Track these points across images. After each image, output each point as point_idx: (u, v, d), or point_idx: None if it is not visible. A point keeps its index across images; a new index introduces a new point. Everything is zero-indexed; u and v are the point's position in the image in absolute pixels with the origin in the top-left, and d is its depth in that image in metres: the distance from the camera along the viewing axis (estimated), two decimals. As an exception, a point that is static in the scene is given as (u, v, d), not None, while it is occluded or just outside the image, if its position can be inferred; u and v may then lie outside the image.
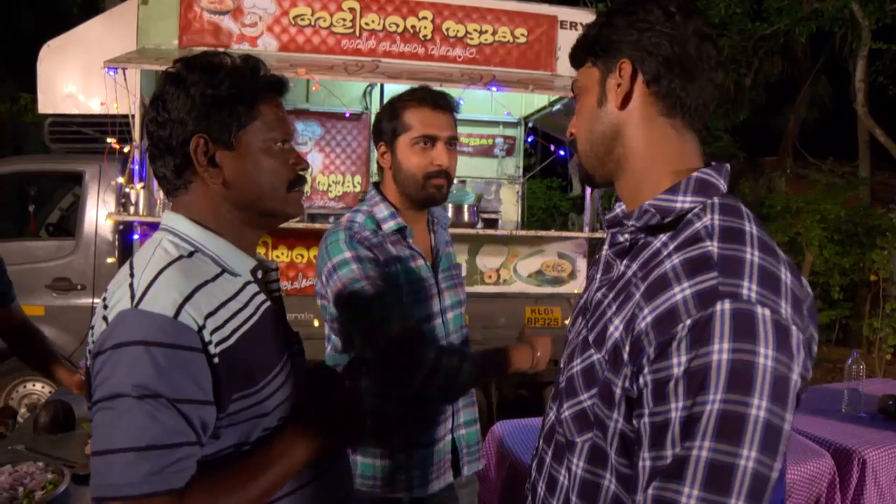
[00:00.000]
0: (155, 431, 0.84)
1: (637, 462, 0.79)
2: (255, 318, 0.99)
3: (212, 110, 0.97)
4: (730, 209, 0.86)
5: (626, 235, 0.94)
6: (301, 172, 1.07)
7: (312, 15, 4.36)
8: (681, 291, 0.77)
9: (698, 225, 0.84)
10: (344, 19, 4.40)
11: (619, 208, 1.05)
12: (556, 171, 10.82)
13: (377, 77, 4.16)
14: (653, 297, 0.80)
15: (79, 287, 4.19)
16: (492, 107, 5.54)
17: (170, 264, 0.93)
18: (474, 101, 5.07)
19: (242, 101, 0.99)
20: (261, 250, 4.38)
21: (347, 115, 5.66)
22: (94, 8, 10.13)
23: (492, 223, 5.42)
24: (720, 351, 0.73)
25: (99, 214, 4.28)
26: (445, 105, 1.63)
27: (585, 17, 4.86)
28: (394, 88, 4.43)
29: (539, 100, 5.59)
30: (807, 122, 12.17)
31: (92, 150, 4.49)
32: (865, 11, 8.10)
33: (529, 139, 6.29)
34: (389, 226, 1.61)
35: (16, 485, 1.50)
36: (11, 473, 1.56)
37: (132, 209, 3.87)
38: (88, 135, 4.64)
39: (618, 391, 0.83)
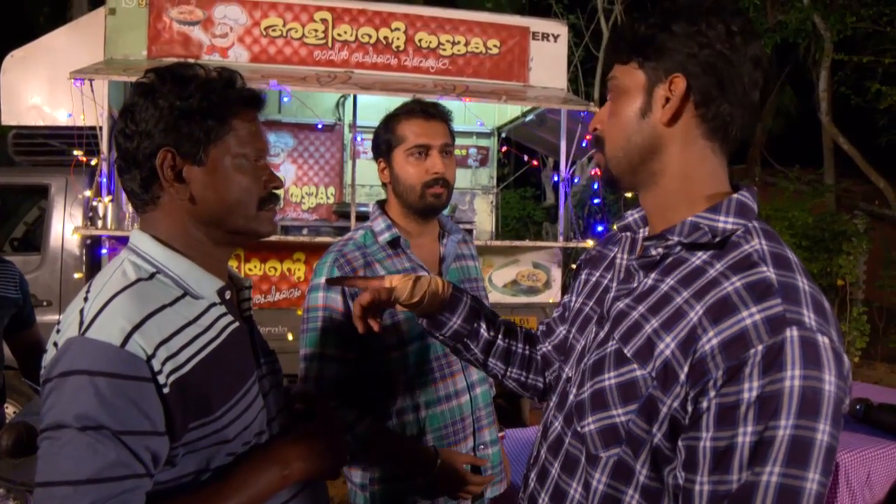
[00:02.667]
0: (96, 464, 0.80)
1: (680, 482, 0.80)
2: (218, 341, 0.95)
3: (181, 123, 0.94)
4: (771, 235, 0.88)
5: (661, 249, 0.92)
6: (274, 190, 1.03)
7: (284, 26, 4.33)
8: (749, 316, 0.77)
9: (747, 248, 0.85)
10: (316, 30, 4.38)
11: (632, 217, 1.04)
12: (530, 181, 10.90)
13: (350, 88, 4.14)
14: (718, 319, 0.79)
15: (45, 303, 4.07)
16: (465, 117, 5.57)
17: (124, 289, 0.90)
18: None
19: (214, 115, 0.95)
20: (233, 263, 4.30)
21: (320, 126, 5.63)
22: (62, 18, 9.98)
23: (466, 233, 5.43)
24: (793, 377, 0.74)
25: (66, 228, 4.18)
26: (437, 114, 1.64)
27: (558, 28, 4.91)
28: (367, 100, 4.44)
29: (512, 110, 5.63)
30: (773, 131, 12.44)
31: (58, 163, 4.39)
32: (827, 24, 8.34)
33: (503, 150, 6.33)
34: (384, 237, 1.62)
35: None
36: (12, 499, 1.50)
37: (100, 223, 3.78)
38: (54, 147, 4.54)
39: (664, 409, 0.82)
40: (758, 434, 0.74)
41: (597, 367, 0.92)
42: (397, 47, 4.52)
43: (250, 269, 4.29)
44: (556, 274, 4.84)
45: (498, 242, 4.74)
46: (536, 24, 4.86)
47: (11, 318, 2.18)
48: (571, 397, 0.98)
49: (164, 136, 0.94)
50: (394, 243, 1.63)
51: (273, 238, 4.08)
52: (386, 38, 4.49)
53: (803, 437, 0.73)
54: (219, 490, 0.91)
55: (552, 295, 4.81)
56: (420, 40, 4.56)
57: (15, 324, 2.20)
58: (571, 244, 4.74)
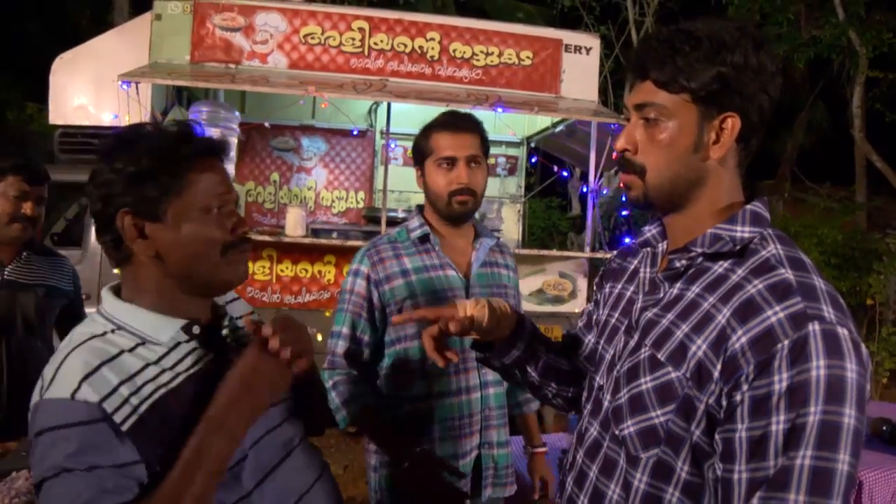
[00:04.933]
0: (72, 500, 0.85)
1: (719, 474, 0.85)
2: (181, 378, 0.97)
3: (135, 184, 0.96)
4: (786, 240, 0.94)
5: (684, 261, 0.97)
6: (242, 234, 1.04)
7: (322, 34, 4.44)
8: (774, 314, 0.84)
9: (765, 253, 0.91)
10: (353, 38, 4.48)
11: (650, 233, 1.09)
12: (556, 191, 10.91)
13: (385, 96, 4.23)
14: (745, 319, 0.85)
15: (85, 297, 4.21)
16: (495, 126, 5.62)
17: (76, 347, 0.95)
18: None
19: (166, 172, 0.97)
20: (265, 265, 4.43)
21: (355, 132, 5.74)
22: (103, 21, 10.27)
23: (505, 244, 5.47)
24: (818, 367, 0.80)
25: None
26: (466, 126, 1.73)
27: (590, 41, 4.95)
28: (399, 107, 4.53)
29: (542, 121, 5.68)
30: (804, 147, 12.30)
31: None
32: (863, 40, 8.25)
33: (533, 159, 6.37)
34: (416, 233, 1.75)
35: (32, 489, 1.53)
36: (28, 478, 1.58)
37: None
38: (97, 146, 4.69)
39: (701, 406, 0.88)
40: (790, 421, 0.80)
41: (632, 373, 0.97)
42: (432, 57, 4.61)
43: (282, 271, 4.39)
44: (582, 284, 4.87)
45: (526, 251, 4.79)
46: (569, 36, 4.92)
47: (62, 310, 2.29)
48: (606, 404, 1.03)
49: (122, 198, 0.96)
50: (423, 239, 1.74)
51: (305, 240, 4.18)
52: (421, 47, 4.58)
53: (832, 421, 0.79)
54: (173, 480, 0.91)
55: (577, 305, 4.84)
56: (454, 50, 4.64)
57: (66, 315, 2.31)
58: (599, 255, 4.77)
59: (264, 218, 5.72)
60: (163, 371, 0.96)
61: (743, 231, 0.93)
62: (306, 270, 4.39)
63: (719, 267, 0.93)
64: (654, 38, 0.95)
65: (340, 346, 1.69)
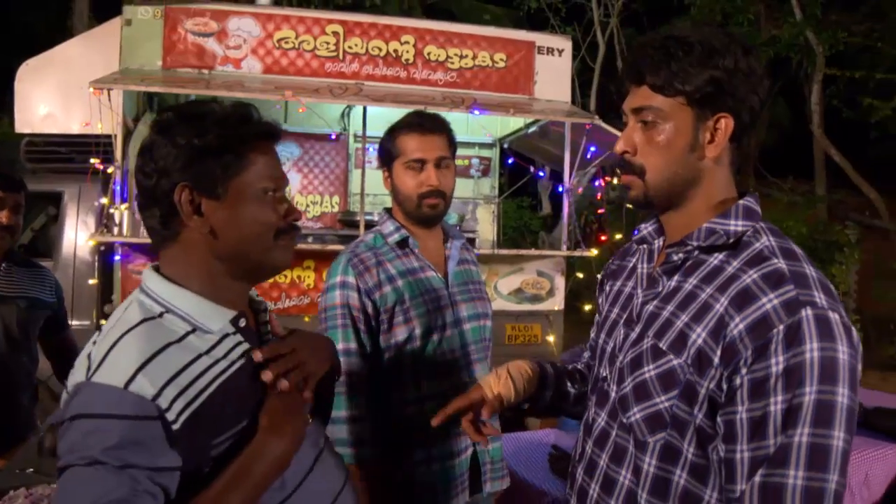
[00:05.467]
0: (99, 496, 0.82)
1: (722, 455, 0.90)
2: (232, 370, 0.96)
3: (198, 160, 0.95)
4: (777, 232, 0.99)
5: (681, 254, 1.02)
6: (293, 222, 1.04)
7: (296, 38, 4.42)
8: (769, 301, 0.89)
9: (758, 245, 0.96)
10: (328, 42, 4.47)
11: (647, 230, 1.15)
12: (527, 191, 11.01)
13: (361, 100, 4.23)
14: (742, 307, 0.90)
15: (60, 309, 4.13)
16: (468, 128, 5.67)
17: (129, 330, 0.92)
18: (450, 123, 5.17)
19: (231, 150, 0.97)
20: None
21: (333, 136, 5.73)
22: (63, 27, 10.02)
23: (469, 242, 5.51)
24: (812, 350, 0.85)
25: (78, 235, 4.24)
26: (434, 128, 1.71)
27: (562, 43, 5.02)
28: (374, 110, 4.53)
29: (515, 122, 5.73)
30: (766, 143, 12.62)
31: (69, 171, 4.45)
32: (819, 39, 8.52)
33: (510, 161, 6.43)
34: (394, 238, 1.73)
35: (36, 507, 1.50)
36: (27, 496, 1.56)
37: (116, 230, 3.84)
38: (65, 154, 4.59)
39: (702, 391, 0.92)
40: (787, 402, 0.85)
41: (635, 363, 1.02)
42: (406, 60, 4.62)
43: (261, 277, 4.35)
44: (560, 282, 4.93)
45: (505, 251, 4.84)
46: (541, 38, 4.98)
47: (46, 322, 2.24)
48: (613, 394, 1.07)
49: (182, 172, 0.95)
50: (402, 243, 1.73)
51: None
52: (396, 50, 4.59)
53: (826, 400, 0.84)
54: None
55: (556, 303, 4.90)
56: (429, 53, 4.66)
57: (49, 327, 2.26)
58: (576, 253, 4.84)
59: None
60: (215, 363, 0.94)
61: (736, 225, 0.98)
62: (286, 276, 4.36)
63: (714, 259, 0.98)
64: (649, 45, 0.99)
65: (354, 363, 1.63)
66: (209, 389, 0.92)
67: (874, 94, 8.34)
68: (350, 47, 4.51)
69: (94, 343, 0.93)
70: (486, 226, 6.47)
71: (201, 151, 0.95)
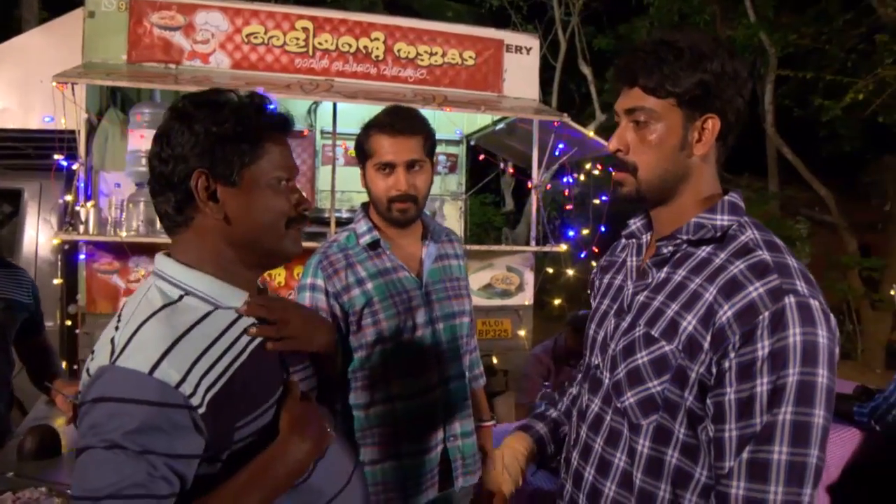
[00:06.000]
0: (116, 482, 0.84)
1: (711, 435, 0.97)
2: (249, 350, 0.98)
3: (216, 147, 0.97)
4: (761, 227, 1.06)
5: (671, 247, 1.09)
6: (304, 212, 1.06)
7: (265, 33, 4.37)
8: (755, 290, 0.95)
9: (743, 238, 1.03)
10: (297, 38, 4.43)
11: (635, 225, 1.21)
12: (489, 187, 11.10)
13: (333, 96, 4.21)
14: (730, 295, 0.96)
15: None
16: (435, 124, 5.67)
17: (152, 315, 0.93)
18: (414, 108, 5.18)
19: (247, 139, 0.99)
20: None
21: (300, 133, 5.68)
22: (10, 16, 9.64)
23: (454, 233, 5.55)
24: (794, 335, 0.92)
25: (40, 234, 4.11)
26: (406, 129, 1.66)
27: (530, 41, 5.08)
28: (342, 107, 4.50)
29: (482, 119, 5.78)
30: (721, 141, 12.96)
31: (28, 167, 4.30)
32: (772, 40, 8.82)
33: (480, 158, 6.50)
34: (365, 239, 1.72)
35: (28, 509, 1.48)
36: (15, 501, 1.53)
37: (82, 228, 3.74)
38: (23, 150, 4.44)
39: (693, 375, 0.99)
40: (772, 383, 0.91)
41: (628, 350, 1.08)
42: (377, 57, 4.61)
43: (231, 275, 4.31)
44: (529, 277, 5.00)
45: (476, 247, 4.88)
46: (510, 37, 5.03)
47: (22, 324, 2.19)
48: (606, 381, 1.13)
49: (200, 159, 0.97)
50: (374, 245, 1.72)
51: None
52: (366, 47, 4.58)
53: (808, 381, 0.91)
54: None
55: (526, 298, 4.98)
56: (399, 50, 4.66)
57: (26, 329, 2.21)
58: (546, 248, 4.92)
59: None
60: (235, 340, 0.97)
61: (722, 219, 1.05)
62: (256, 274, 4.32)
63: (702, 251, 1.05)
64: (641, 50, 1.06)
65: None
66: (230, 370, 0.93)
67: (823, 94, 8.68)
68: (320, 43, 4.48)
69: (116, 328, 0.94)
70: (452, 222, 6.50)
71: (219, 139, 0.97)
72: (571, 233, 5.30)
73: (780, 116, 9.58)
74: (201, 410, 0.88)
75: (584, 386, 1.23)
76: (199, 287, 0.99)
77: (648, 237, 1.19)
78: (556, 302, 6.75)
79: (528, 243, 5.06)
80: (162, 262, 1.01)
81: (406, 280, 1.72)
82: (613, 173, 1.12)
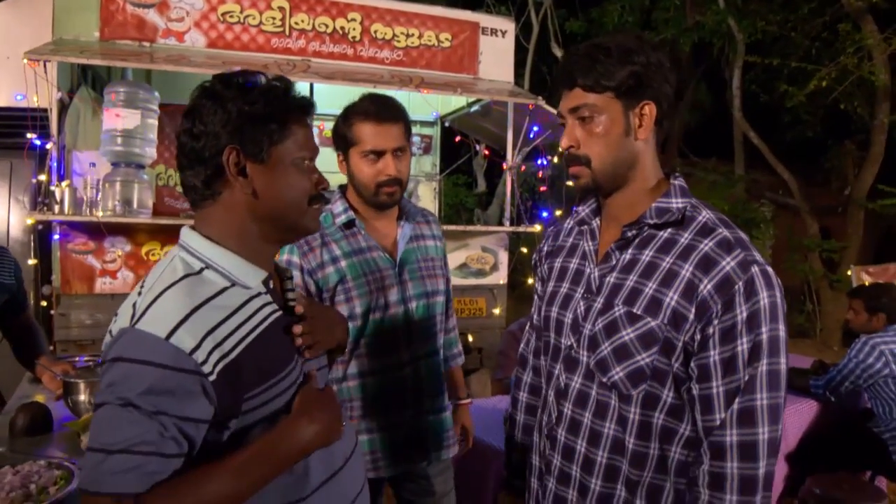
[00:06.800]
0: (128, 437, 0.89)
1: (696, 393, 1.11)
2: (262, 328, 1.03)
3: (246, 125, 1.02)
4: (709, 206, 1.19)
5: (634, 231, 1.19)
6: (322, 191, 1.12)
7: (241, 12, 4.33)
8: (727, 264, 1.09)
9: (701, 218, 1.16)
10: (273, 18, 4.41)
11: (584, 212, 1.31)
12: (461, 169, 11.16)
13: (311, 77, 4.21)
14: (707, 270, 1.10)
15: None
16: (410, 105, 5.69)
17: (173, 284, 0.98)
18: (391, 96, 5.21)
19: (275, 119, 1.04)
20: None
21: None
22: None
23: (431, 214, 5.60)
24: (763, 298, 1.07)
25: (11, 214, 4.06)
26: (391, 117, 1.73)
27: (505, 24, 5.13)
28: (320, 88, 4.50)
29: (457, 101, 5.82)
30: (690, 125, 13.22)
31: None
32: (740, 27, 8.99)
33: (457, 139, 6.53)
34: (340, 219, 1.78)
35: (26, 482, 1.52)
36: (15, 473, 1.56)
37: (57, 208, 3.71)
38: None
39: (679, 344, 1.11)
40: (751, 341, 1.06)
41: (610, 329, 1.17)
42: (353, 38, 4.62)
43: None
44: (503, 257, 5.10)
45: (453, 227, 4.95)
46: (486, 19, 5.07)
47: (5, 304, 2.20)
48: (584, 358, 1.22)
49: (231, 136, 1.02)
50: (349, 224, 1.77)
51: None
52: (342, 28, 4.57)
53: (775, 335, 1.07)
54: (220, 467, 0.96)
55: (500, 277, 5.08)
56: (375, 31, 4.67)
57: (9, 309, 2.22)
58: (520, 229, 5.01)
59: (177, 202, 5.52)
60: (250, 317, 1.02)
61: (678, 202, 1.17)
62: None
63: (664, 233, 1.16)
64: (576, 54, 1.17)
65: None
66: (243, 344, 0.98)
67: (788, 80, 8.90)
68: (296, 23, 4.46)
69: (139, 294, 0.99)
70: (427, 203, 6.55)
71: (250, 118, 1.02)
72: (545, 214, 5.40)
73: (746, 102, 9.80)
74: (212, 378, 0.93)
75: (556, 366, 1.29)
76: (220, 262, 1.04)
77: (598, 222, 1.29)
78: (530, 281, 6.88)
79: (500, 224, 5.14)
80: (187, 234, 1.07)
81: (380, 259, 1.77)
82: (570, 170, 1.22)
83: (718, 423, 1.08)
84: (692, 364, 1.11)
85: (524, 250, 5.98)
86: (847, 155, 10.65)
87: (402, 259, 1.81)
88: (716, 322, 1.07)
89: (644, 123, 1.15)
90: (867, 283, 4.79)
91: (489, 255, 5.09)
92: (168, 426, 0.91)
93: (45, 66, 3.65)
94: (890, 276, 5.49)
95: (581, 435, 1.23)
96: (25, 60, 3.55)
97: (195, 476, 0.93)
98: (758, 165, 10.59)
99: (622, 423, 1.17)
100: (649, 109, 1.15)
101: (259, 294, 1.06)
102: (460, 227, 5.01)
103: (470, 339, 4.87)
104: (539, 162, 5.71)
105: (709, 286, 1.08)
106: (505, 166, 5.05)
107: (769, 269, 1.09)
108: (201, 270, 1.02)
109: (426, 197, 6.55)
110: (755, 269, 1.07)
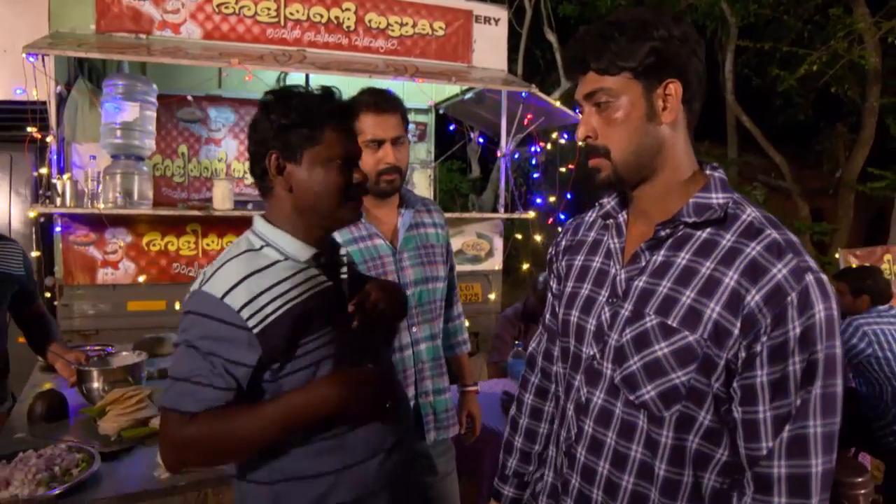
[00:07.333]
0: (189, 369, 1.16)
1: (739, 417, 0.96)
2: (307, 294, 1.23)
3: (282, 133, 1.24)
4: (750, 202, 1.04)
5: (668, 230, 1.03)
6: (359, 183, 1.30)
7: (236, 3, 4.36)
8: (778, 272, 0.93)
9: (745, 217, 1.00)
10: (268, 8, 4.44)
11: (609, 205, 1.16)
12: (455, 155, 11.19)
13: (307, 67, 4.25)
14: (755, 279, 0.94)
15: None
16: (404, 93, 5.75)
17: (235, 256, 1.23)
18: (388, 89, 5.24)
19: (307, 126, 1.24)
20: (190, 239, 4.39)
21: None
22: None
23: (433, 203, 5.66)
24: (819, 311, 0.92)
25: (12, 207, 4.11)
26: (389, 108, 1.81)
27: (498, 12, 5.17)
28: (314, 78, 4.50)
29: (451, 88, 5.86)
30: (682, 108, 13.22)
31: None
32: (733, 10, 9.01)
33: (451, 127, 6.58)
34: None
35: (50, 465, 1.60)
36: (39, 457, 1.65)
37: (59, 200, 3.76)
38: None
39: (721, 362, 0.96)
40: (805, 361, 0.92)
41: (641, 342, 1.02)
42: (348, 27, 4.65)
43: (207, 245, 4.38)
44: (498, 243, 5.18)
45: (450, 214, 5.00)
46: (479, 7, 5.11)
47: (16, 294, 2.27)
48: (608, 372, 1.07)
49: (273, 142, 1.25)
50: None
51: (235, 213, 4.19)
52: (337, 17, 4.61)
53: (831, 354, 0.93)
54: (261, 406, 1.18)
55: (495, 263, 5.16)
56: (370, 21, 4.71)
57: (19, 299, 2.29)
58: (515, 215, 5.09)
59: (174, 192, 5.57)
60: (295, 286, 1.22)
61: (718, 198, 1.02)
62: (232, 243, 4.39)
63: (703, 233, 1.00)
64: (586, 34, 1.03)
65: None
66: (286, 306, 1.19)
67: (780, 64, 8.94)
68: (291, 13, 4.50)
69: (211, 265, 1.24)
70: (422, 190, 6.57)
71: (285, 127, 1.24)
72: (539, 200, 5.47)
73: (739, 85, 9.84)
74: (256, 331, 1.15)
75: (575, 377, 1.15)
76: (276, 241, 1.27)
77: (624, 216, 1.14)
78: (525, 267, 6.97)
79: (495, 210, 5.21)
80: (256, 219, 1.31)
81: (380, 247, 1.83)
82: (589, 162, 1.08)
83: (765, 452, 0.94)
84: (735, 384, 0.96)
85: (518, 236, 6.07)
86: (838, 138, 10.72)
87: (402, 246, 1.87)
88: (764, 339, 0.92)
89: (669, 105, 0.99)
90: (854, 266, 4.89)
91: (484, 241, 5.17)
92: (216, 365, 1.15)
93: (42, 59, 3.69)
94: (876, 259, 5.60)
95: (604, 456, 1.08)
96: (24, 54, 3.58)
97: (235, 409, 1.16)
98: (750, 149, 10.66)
99: (651, 446, 1.03)
100: (674, 88, 0.99)
101: (309, 267, 1.27)
102: (455, 215, 5.08)
103: (466, 324, 4.96)
104: (532, 149, 5.77)
105: (757, 297, 0.93)
106: (499, 154, 5.10)
107: (824, 276, 0.94)
108: (261, 247, 1.25)
109: (421, 184, 6.57)
110: (810, 277, 0.92)
